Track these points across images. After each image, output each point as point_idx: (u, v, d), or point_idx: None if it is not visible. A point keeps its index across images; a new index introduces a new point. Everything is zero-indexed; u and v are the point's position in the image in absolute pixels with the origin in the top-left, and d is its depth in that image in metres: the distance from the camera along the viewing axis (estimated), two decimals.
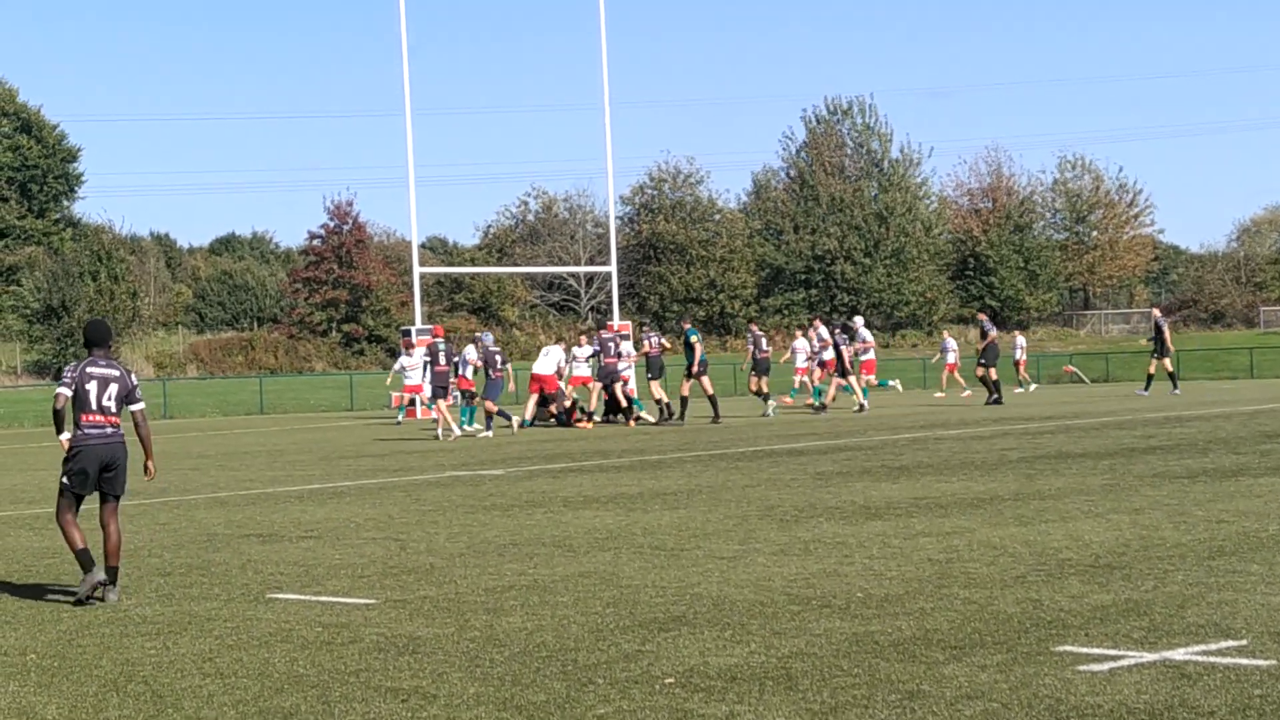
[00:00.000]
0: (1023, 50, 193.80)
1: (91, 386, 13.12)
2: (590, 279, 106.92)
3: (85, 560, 12.93)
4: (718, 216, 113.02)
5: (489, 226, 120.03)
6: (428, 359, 37.04)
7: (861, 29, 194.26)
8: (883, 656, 9.60)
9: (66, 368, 13.35)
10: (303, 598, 12.69)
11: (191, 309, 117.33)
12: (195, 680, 9.70)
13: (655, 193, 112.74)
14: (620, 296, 61.44)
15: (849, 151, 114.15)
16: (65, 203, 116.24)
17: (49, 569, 15.11)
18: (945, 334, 63.74)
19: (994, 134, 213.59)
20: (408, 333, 48.39)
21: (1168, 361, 47.41)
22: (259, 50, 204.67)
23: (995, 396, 45.82)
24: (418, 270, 52.52)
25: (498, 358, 38.58)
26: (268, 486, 24.11)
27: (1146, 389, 48.90)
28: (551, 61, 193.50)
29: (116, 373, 13.25)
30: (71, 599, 12.97)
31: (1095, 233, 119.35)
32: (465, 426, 38.58)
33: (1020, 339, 61.30)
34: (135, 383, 13.40)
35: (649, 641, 10.32)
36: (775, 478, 22.31)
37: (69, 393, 13.18)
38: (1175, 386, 48.72)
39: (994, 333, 47.27)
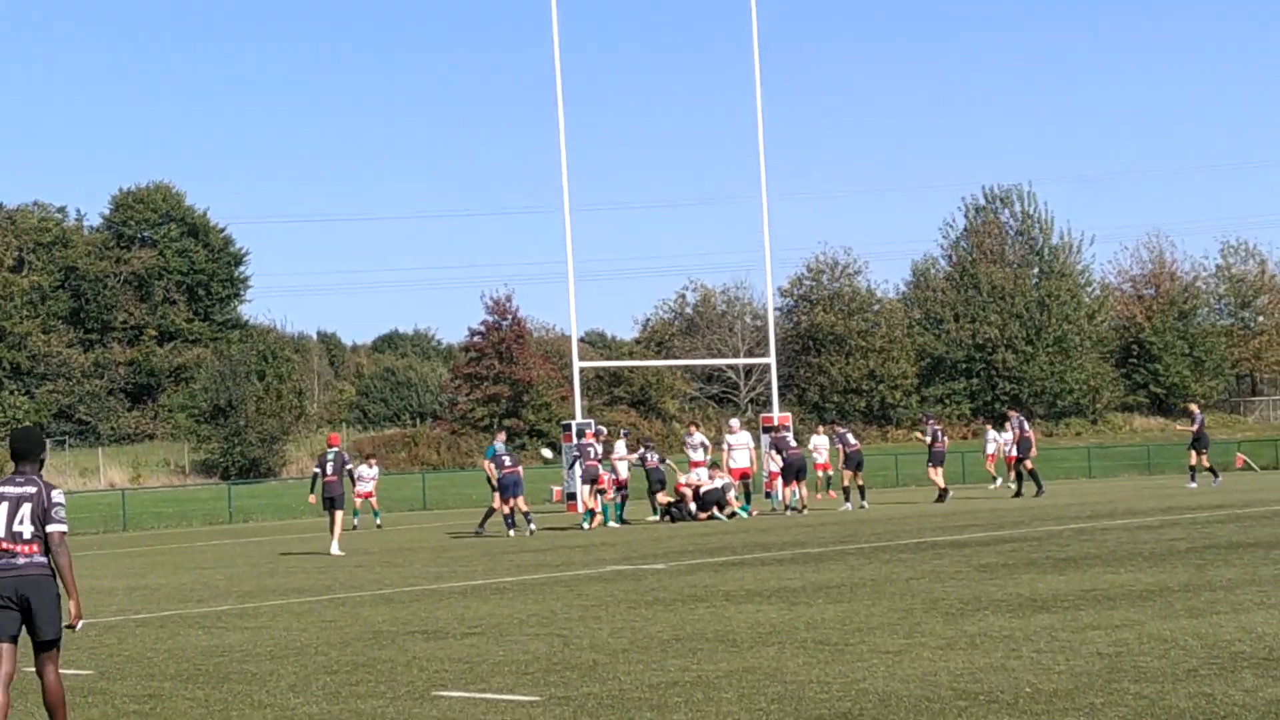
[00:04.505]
0: (1181, 135, 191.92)
1: (0, 510, 11.21)
2: (749, 371, 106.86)
3: None
4: (876, 306, 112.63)
5: (647, 320, 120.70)
6: (316, 469, 34.68)
7: (1018, 117, 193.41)
8: None
9: None
10: (467, 695, 12.75)
11: (355, 406, 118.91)
12: None
13: (813, 284, 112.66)
14: (780, 388, 61.27)
15: (1009, 239, 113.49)
16: (233, 304, 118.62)
17: (218, 667, 15.29)
18: (989, 427, 62.72)
19: (1154, 220, 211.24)
20: (568, 427, 48.58)
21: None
22: (417, 150, 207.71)
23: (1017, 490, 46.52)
24: (577, 365, 52.79)
25: (506, 459, 38.17)
26: (432, 583, 24.27)
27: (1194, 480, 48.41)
28: (708, 154, 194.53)
29: (32, 490, 11.22)
30: None
31: (1261, 318, 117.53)
32: (612, 523, 39.63)
33: (992, 433, 59.71)
34: (56, 500, 11.28)
35: None
36: (938, 570, 22.10)
37: None
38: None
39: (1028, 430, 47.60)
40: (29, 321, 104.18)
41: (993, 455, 56.37)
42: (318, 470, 34.50)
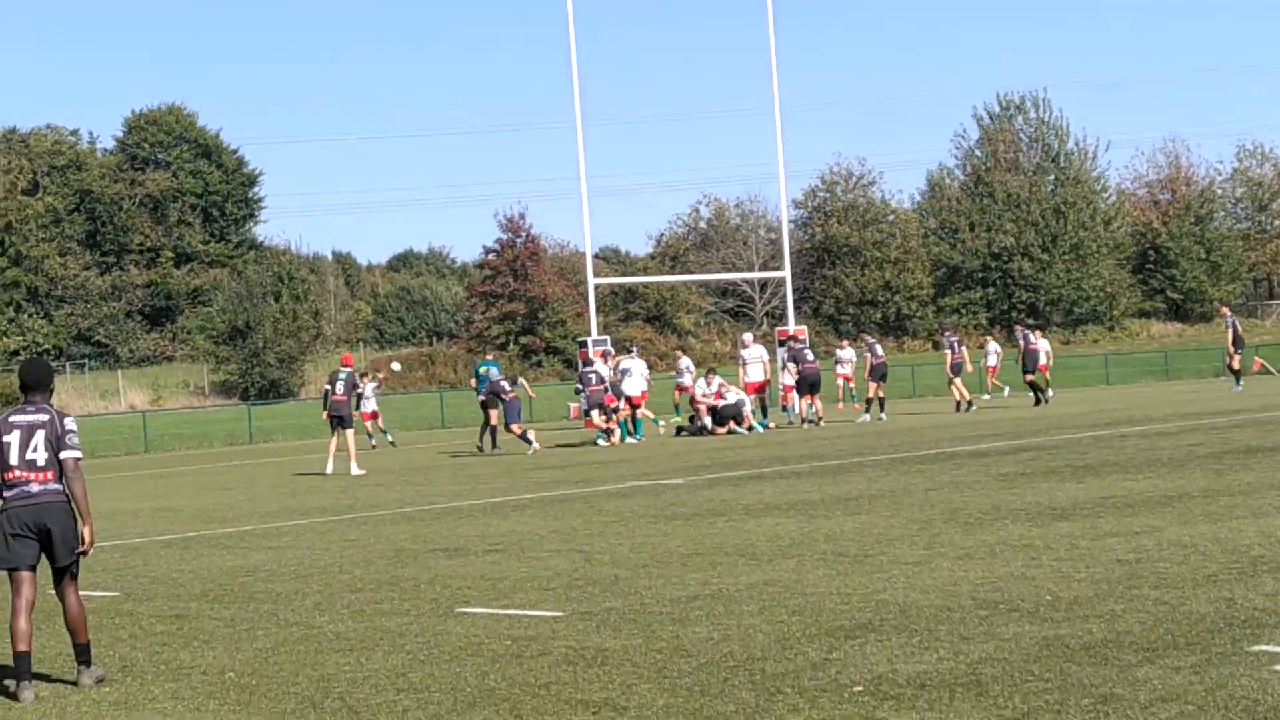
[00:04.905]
0: (1196, 39, 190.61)
1: (12, 439, 10.94)
2: (764, 284, 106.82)
3: (19, 665, 10.79)
4: (891, 217, 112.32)
5: (661, 235, 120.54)
6: (327, 386, 34.87)
7: (1031, 23, 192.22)
8: (1074, 660, 9.50)
9: None
10: (491, 611, 12.82)
11: (372, 325, 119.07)
12: (389, 695, 9.84)
13: (827, 195, 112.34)
14: (795, 300, 61.24)
15: (1024, 147, 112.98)
16: (248, 225, 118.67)
17: (243, 587, 15.39)
18: (989, 339, 62.68)
19: (1170, 124, 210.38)
20: (584, 344, 48.60)
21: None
22: (429, 67, 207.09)
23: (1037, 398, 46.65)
24: (592, 281, 52.78)
25: (505, 384, 38.38)
26: (452, 500, 24.37)
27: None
28: (721, 67, 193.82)
29: (44, 417, 10.99)
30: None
31: (1278, 221, 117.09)
32: (629, 439, 39.86)
33: (994, 344, 59.65)
34: (69, 427, 11.06)
35: (836, 649, 10.30)
36: (957, 480, 22.14)
37: None
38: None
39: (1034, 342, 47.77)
40: (45, 245, 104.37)
41: (994, 367, 56.76)
42: (328, 387, 34.66)
